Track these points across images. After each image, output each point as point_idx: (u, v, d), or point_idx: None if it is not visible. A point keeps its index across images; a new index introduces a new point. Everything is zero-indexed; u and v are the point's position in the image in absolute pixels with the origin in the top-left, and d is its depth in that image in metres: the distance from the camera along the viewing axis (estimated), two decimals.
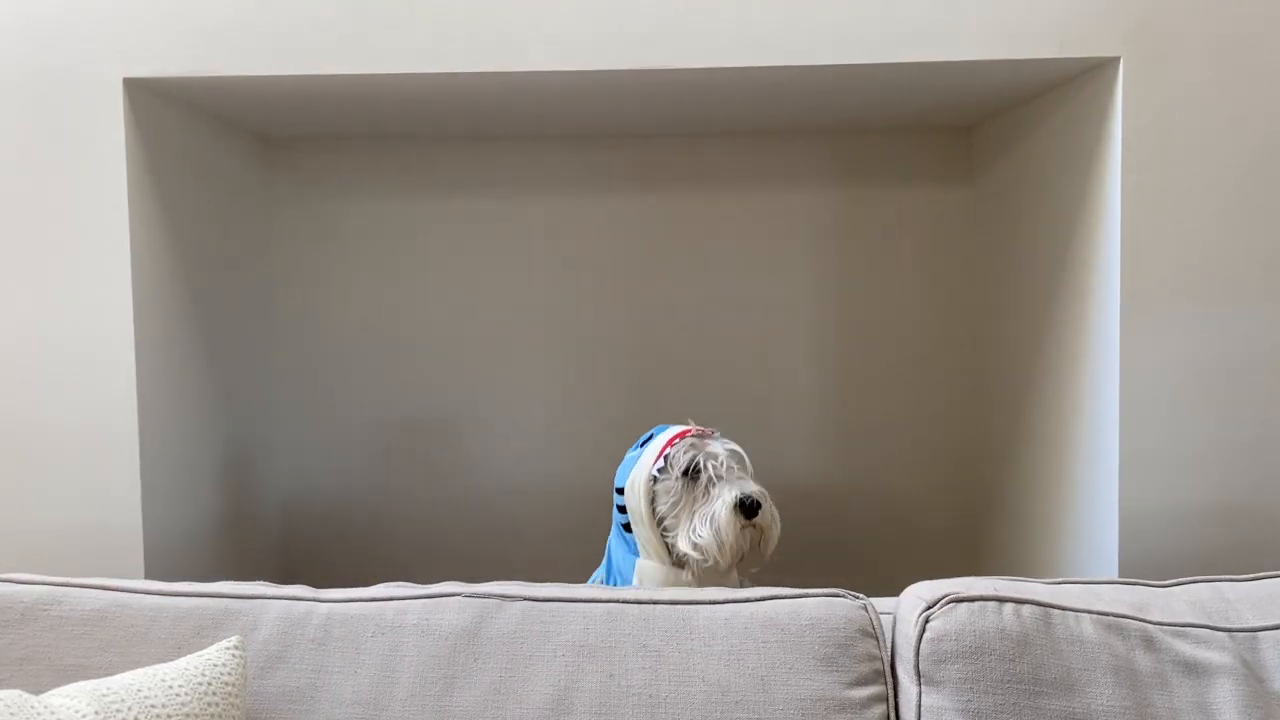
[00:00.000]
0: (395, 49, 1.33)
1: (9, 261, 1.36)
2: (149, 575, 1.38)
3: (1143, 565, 1.33)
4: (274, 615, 1.09)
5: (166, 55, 1.34)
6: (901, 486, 1.87)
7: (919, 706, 1.02)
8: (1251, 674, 1.02)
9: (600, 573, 1.40)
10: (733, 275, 1.85)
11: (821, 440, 1.87)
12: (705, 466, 1.26)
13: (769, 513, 1.26)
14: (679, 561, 1.27)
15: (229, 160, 1.70)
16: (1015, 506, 1.67)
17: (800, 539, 1.86)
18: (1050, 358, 1.52)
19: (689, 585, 1.26)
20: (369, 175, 1.85)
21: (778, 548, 1.80)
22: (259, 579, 1.21)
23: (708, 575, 1.27)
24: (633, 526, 1.30)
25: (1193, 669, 1.02)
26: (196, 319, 1.56)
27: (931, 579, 1.11)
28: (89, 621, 1.09)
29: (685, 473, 1.26)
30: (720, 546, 1.22)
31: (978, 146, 1.80)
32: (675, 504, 1.26)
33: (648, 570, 1.29)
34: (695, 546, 1.23)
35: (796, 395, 1.86)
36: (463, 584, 1.13)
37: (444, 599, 1.10)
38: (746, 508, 1.23)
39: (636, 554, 1.31)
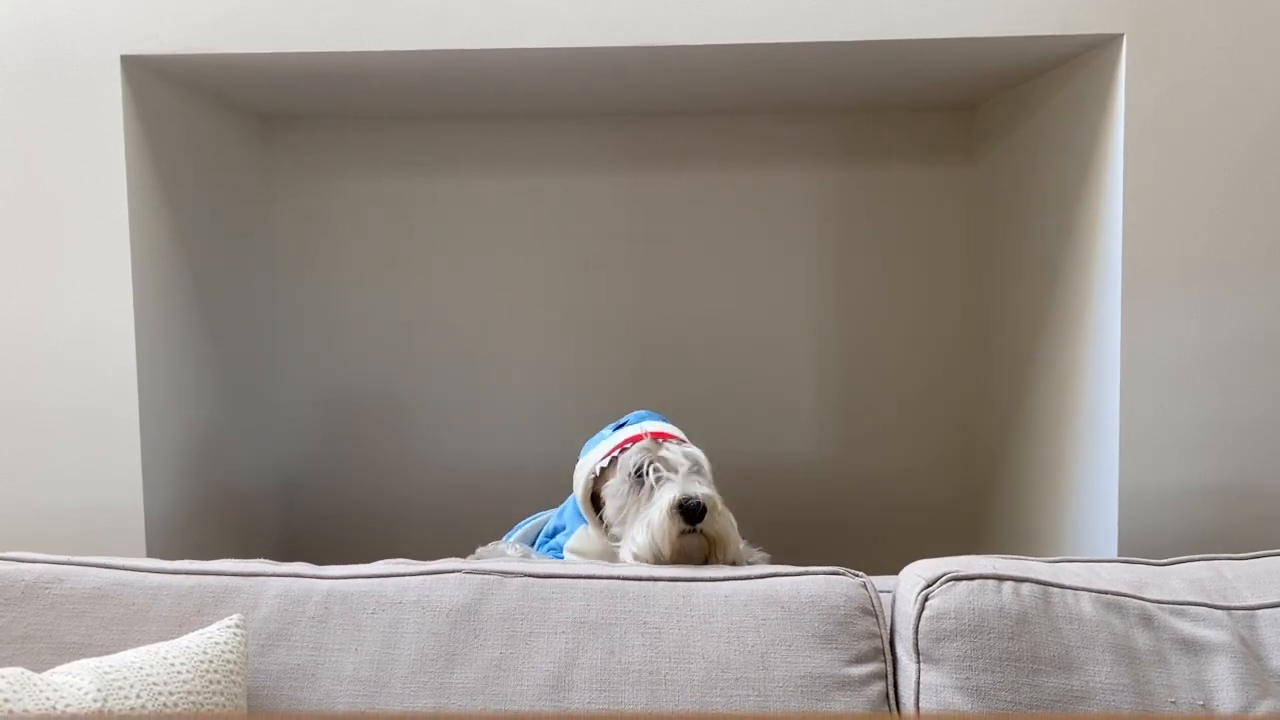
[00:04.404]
0: (395, 26, 1.32)
1: (7, 244, 1.36)
2: (150, 554, 1.39)
3: (1142, 544, 1.33)
4: (274, 593, 1.10)
5: (165, 32, 1.33)
6: (902, 465, 1.87)
7: (918, 684, 1.03)
8: (1249, 652, 1.03)
9: (550, 516, 1.37)
10: (732, 254, 1.85)
11: (822, 419, 1.87)
12: (650, 470, 1.17)
13: (720, 519, 1.15)
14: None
15: (228, 139, 1.69)
16: (1015, 486, 1.68)
17: (801, 517, 1.87)
18: (1052, 337, 1.52)
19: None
20: (368, 153, 1.85)
21: (778, 525, 1.80)
22: (260, 557, 1.21)
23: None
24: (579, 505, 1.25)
25: (1191, 647, 1.03)
26: (196, 298, 1.56)
27: (931, 557, 1.11)
28: (90, 600, 1.09)
29: (635, 474, 1.18)
30: (656, 553, 1.13)
31: (980, 125, 1.79)
32: (621, 508, 1.19)
33: (587, 543, 1.24)
34: (634, 555, 1.15)
35: (797, 375, 1.86)
36: (463, 561, 1.14)
37: (444, 576, 1.10)
38: (687, 510, 1.12)
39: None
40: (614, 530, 1.21)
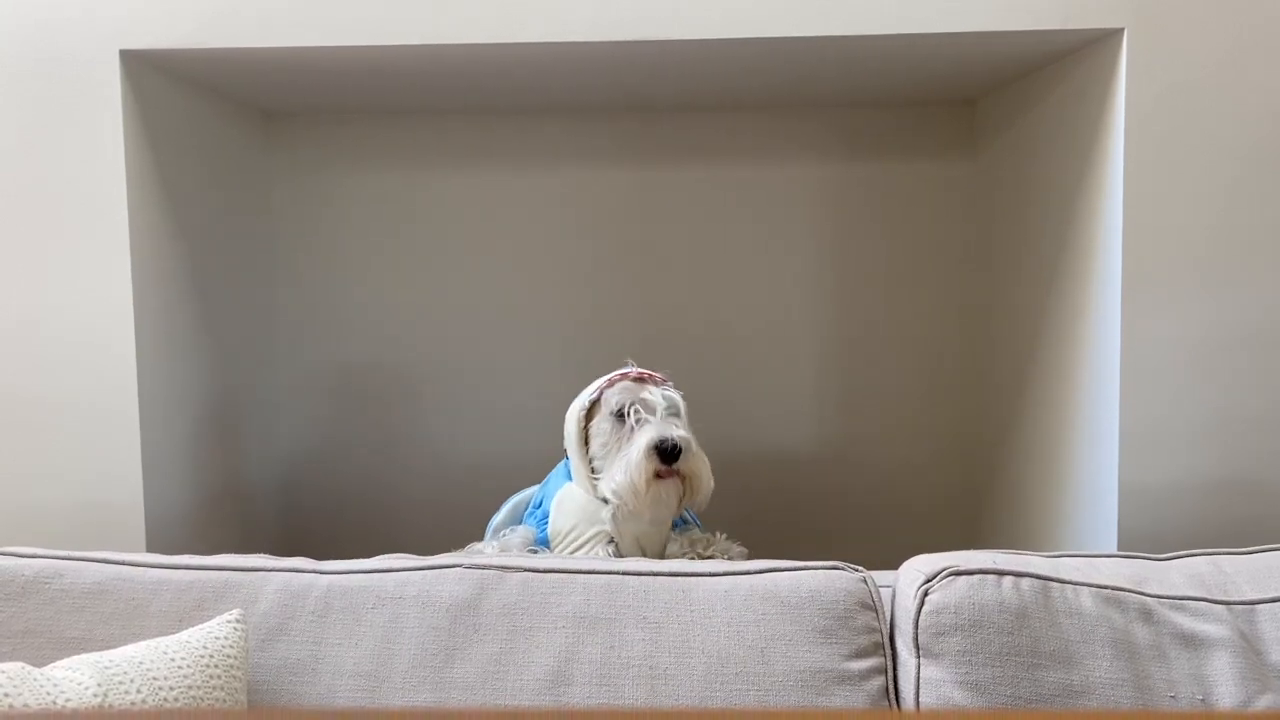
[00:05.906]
0: (395, 21, 1.32)
1: (7, 239, 1.36)
2: (150, 548, 1.39)
3: (1142, 539, 1.33)
4: (275, 587, 1.10)
5: (164, 27, 1.33)
6: (902, 460, 1.87)
7: (918, 679, 1.03)
8: (1249, 646, 1.03)
9: (534, 491, 1.42)
10: (733, 249, 1.85)
11: (822, 414, 1.87)
12: (630, 411, 1.24)
13: (694, 458, 1.23)
14: (605, 498, 1.27)
15: (228, 134, 1.69)
16: (1015, 481, 1.68)
17: (800, 512, 1.87)
18: (1052, 332, 1.52)
19: (603, 527, 1.27)
20: (369, 149, 1.84)
21: (778, 520, 1.80)
22: (260, 551, 1.21)
23: (628, 522, 1.26)
24: (567, 450, 1.32)
25: (1190, 641, 1.03)
26: (196, 294, 1.56)
27: (931, 552, 1.11)
28: (91, 594, 1.09)
29: (616, 414, 1.26)
30: (634, 490, 1.20)
31: (980, 120, 1.79)
32: (604, 444, 1.26)
33: (568, 496, 1.30)
34: (613, 491, 1.22)
35: (796, 369, 1.86)
36: (463, 555, 1.14)
37: (444, 570, 1.10)
38: (664, 451, 1.19)
39: (570, 479, 1.32)
40: (597, 464, 1.28)
